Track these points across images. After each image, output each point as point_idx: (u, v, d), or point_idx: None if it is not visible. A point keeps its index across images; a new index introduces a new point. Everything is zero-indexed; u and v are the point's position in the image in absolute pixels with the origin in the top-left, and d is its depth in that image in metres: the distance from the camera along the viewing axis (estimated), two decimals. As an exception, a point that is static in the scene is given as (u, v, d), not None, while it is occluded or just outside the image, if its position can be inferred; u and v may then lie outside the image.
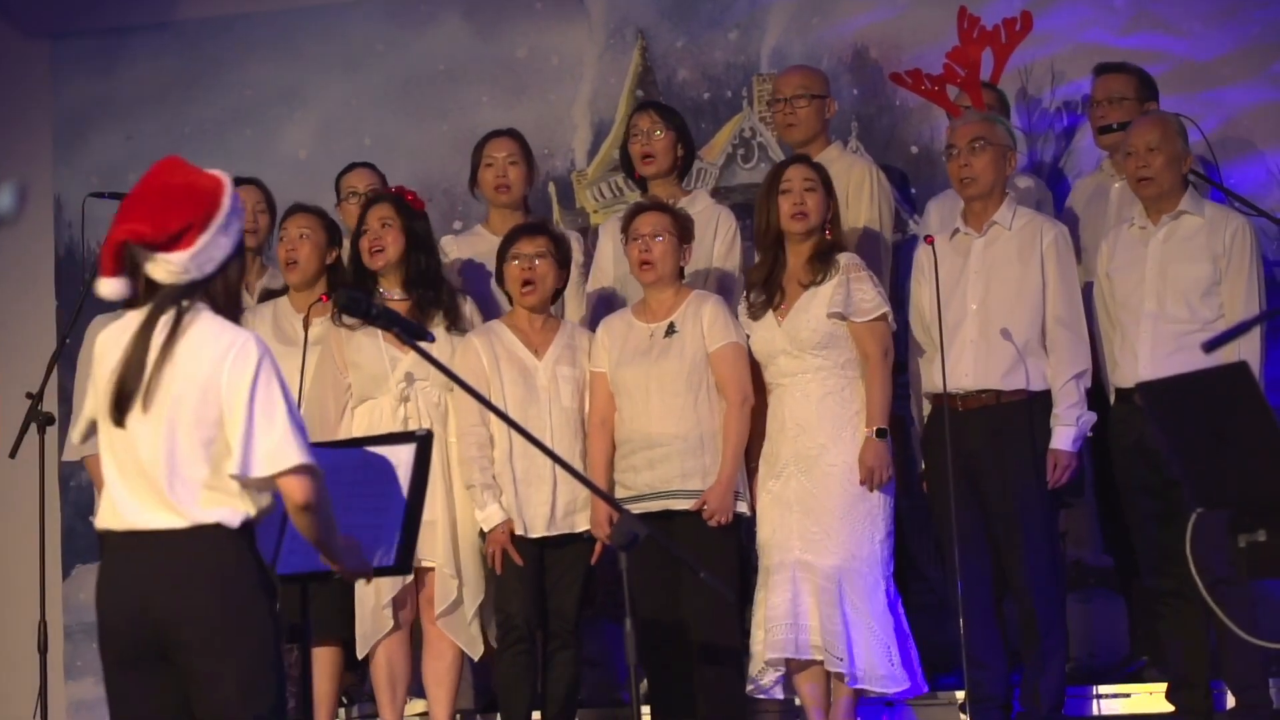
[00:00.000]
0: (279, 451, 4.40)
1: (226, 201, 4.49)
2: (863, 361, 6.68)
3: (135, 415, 4.41)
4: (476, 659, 6.90)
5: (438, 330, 6.84)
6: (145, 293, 4.48)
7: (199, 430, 4.40)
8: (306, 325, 7.04)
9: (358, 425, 6.75)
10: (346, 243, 7.74)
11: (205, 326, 4.45)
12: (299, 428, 4.45)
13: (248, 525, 4.45)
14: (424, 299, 6.91)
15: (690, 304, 6.80)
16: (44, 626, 7.04)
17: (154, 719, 4.46)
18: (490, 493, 6.73)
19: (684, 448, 6.67)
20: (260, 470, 4.39)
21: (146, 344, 4.42)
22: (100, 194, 7.40)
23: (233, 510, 4.42)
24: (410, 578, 6.69)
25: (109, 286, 4.47)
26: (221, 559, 4.40)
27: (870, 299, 6.67)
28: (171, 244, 4.41)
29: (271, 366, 4.45)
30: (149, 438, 4.41)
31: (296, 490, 4.41)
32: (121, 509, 4.45)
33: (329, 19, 9.02)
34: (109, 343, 4.52)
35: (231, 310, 4.54)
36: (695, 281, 7.09)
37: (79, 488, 8.60)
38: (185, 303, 4.44)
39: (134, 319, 4.49)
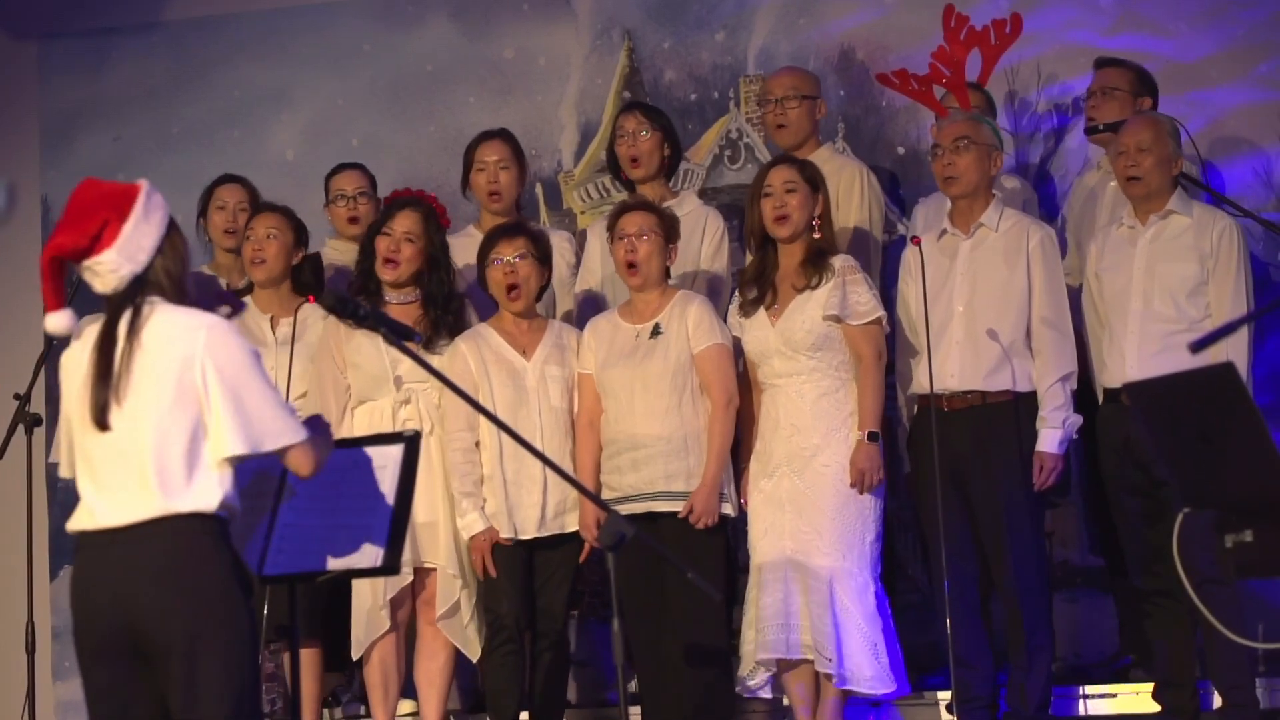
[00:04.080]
0: (286, 426, 4.55)
1: (141, 196, 4.59)
2: (856, 364, 6.69)
3: (114, 413, 4.49)
4: (476, 660, 6.89)
5: (444, 346, 6.84)
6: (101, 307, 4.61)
7: (181, 411, 4.48)
8: (274, 326, 7.07)
9: (358, 426, 6.74)
10: (333, 242, 7.76)
11: (166, 314, 4.55)
12: (284, 401, 4.63)
13: (222, 512, 4.51)
14: (440, 320, 6.89)
15: (676, 305, 6.80)
16: (31, 627, 7.04)
17: (132, 717, 4.50)
18: (470, 501, 6.73)
19: (668, 449, 6.67)
20: (270, 445, 4.53)
21: (111, 346, 4.52)
22: (88, 195, 7.37)
23: (212, 491, 4.48)
24: (410, 578, 6.71)
25: (57, 320, 4.58)
26: (196, 551, 4.47)
27: (866, 302, 6.67)
28: (95, 245, 4.52)
29: (247, 343, 4.59)
30: (131, 430, 4.48)
31: (304, 463, 4.59)
32: (96, 510, 4.53)
33: (316, 19, 9.01)
34: (72, 362, 4.63)
35: (183, 300, 4.62)
36: (683, 283, 7.09)
37: (66, 489, 8.47)
38: (139, 299, 4.54)
39: (91, 332, 4.59)
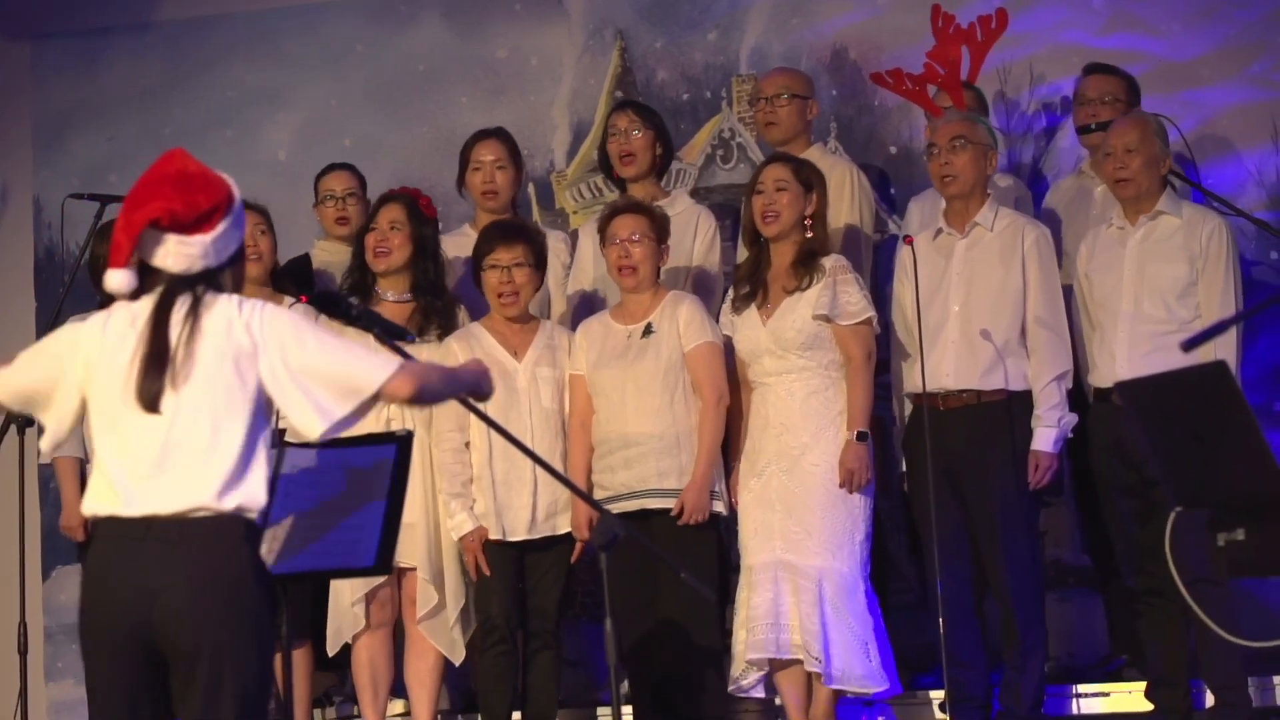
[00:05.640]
0: (380, 363, 4.39)
1: (239, 200, 4.51)
2: (845, 364, 6.68)
3: (167, 397, 4.33)
4: (458, 663, 6.88)
5: (432, 338, 6.84)
6: (147, 283, 4.42)
7: (237, 397, 4.34)
8: None
9: (341, 425, 6.72)
10: (321, 243, 7.75)
11: (227, 302, 4.42)
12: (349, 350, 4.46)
13: (259, 519, 4.38)
14: (430, 307, 6.90)
15: (667, 304, 6.80)
16: (24, 628, 7.02)
17: (137, 716, 4.35)
18: (459, 502, 6.72)
19: (660, 447, 6.67)
20: (373, 386, 4.35)
21: (165, 327, 4.36)
22: (80, 195, 7.36)
23: (259, 491, 4.35)
24: (384, 577, 6.69)
25: (120, 278, 4.38)
26: (236, 556, 4.32)
27: (856, 303, 6.67)
28: (199, 224, 4.38)
29: (294, 314, 4.48)
30: (186, 417, 4.32)
31: (403, 388, 4.38)
32: (125, 493, 4.33)
33: (309, 20, 9.01)
34: (110, 337, 4.41)
35: None
36: (675, 281, 7.09)
37: (59, 489, 8.58)
38: (200, 288, 4.41)
39: (140, 306, 4.41)
